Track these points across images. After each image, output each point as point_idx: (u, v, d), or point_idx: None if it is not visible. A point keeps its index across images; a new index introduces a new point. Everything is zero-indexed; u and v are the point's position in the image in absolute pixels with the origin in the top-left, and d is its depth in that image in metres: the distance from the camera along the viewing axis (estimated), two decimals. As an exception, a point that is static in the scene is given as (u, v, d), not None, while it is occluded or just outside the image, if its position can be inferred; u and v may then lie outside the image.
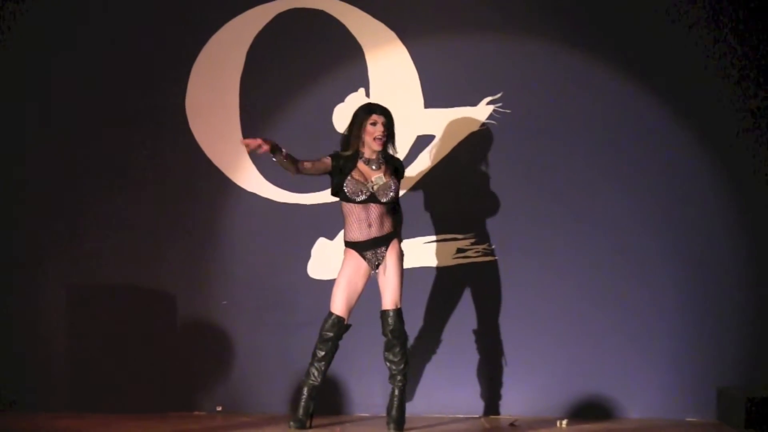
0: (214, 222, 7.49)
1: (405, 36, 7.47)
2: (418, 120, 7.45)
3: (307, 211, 7.38)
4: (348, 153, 6.69)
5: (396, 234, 6.76)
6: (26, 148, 7.50)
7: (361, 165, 6.68)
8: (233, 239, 7.47)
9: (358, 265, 6.69)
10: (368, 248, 6.68)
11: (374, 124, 6.65)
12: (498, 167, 7.41)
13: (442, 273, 7.43)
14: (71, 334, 7.44)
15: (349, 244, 6.71)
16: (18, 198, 7.52)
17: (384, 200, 6.65)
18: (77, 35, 7.50)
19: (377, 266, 6.69)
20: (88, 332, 7.44)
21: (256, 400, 7.37)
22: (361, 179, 6.64)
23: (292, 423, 6.70)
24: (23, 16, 7.51)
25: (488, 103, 7.43)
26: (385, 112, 6.67)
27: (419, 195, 7.44)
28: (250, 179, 7.49)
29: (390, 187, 6.66)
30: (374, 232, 6.67)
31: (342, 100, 7.43)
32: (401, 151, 7.39)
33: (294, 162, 6.56)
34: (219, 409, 7.40)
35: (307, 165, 6.61)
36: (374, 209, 6.66)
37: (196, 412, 7.39)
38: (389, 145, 6.74)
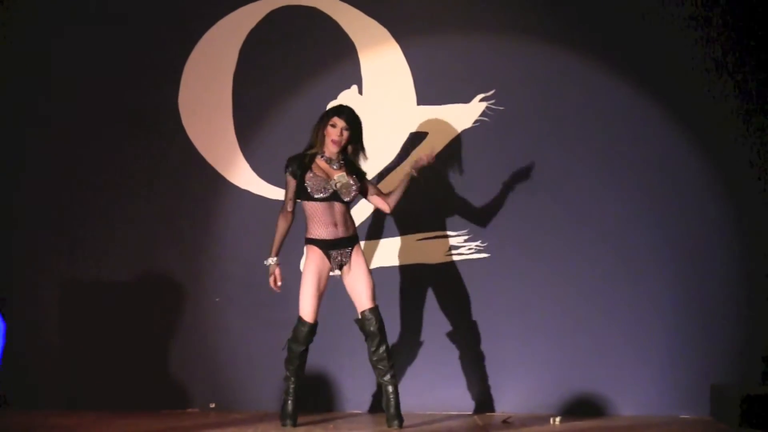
0: (207, 219, 7.49)
1: (398, 33, 7.47)
2: (411, 117, 7.45)
3: (300, 208, 7.36)
4: (308, 152, 6.69)
5: (357, 237, 6.76)
6: (22, 148, 7.50)
7: (321, 162, 6.68)
8: (226, 236, 7.48)
9: (322, 265, 6.66)
10: (335, 247, 6.67)
11: (333, 126, 6.65)
12: (490, 164, 7.40)
13: (434, 270, 7.42)
14: (64, 331, 7.45)
15: (313, 242, 6.68)
16: (15, 197, 7.52)
17: (346, 199, 6.65)
18: (70, 35, 7.50)
19: (340, 267, 6.69)
20: (82, 330, 7.45)
21: (249, 398, 7.37)
22: (323, 176, 6.64)
23: (287, 421, 6.72)
24: (18, 17, 7.52)
25: (481, 101, 7.43)
26: (347, 116, 6.63)
27: (412, 192, 7.42)
28: (243, 176, 7.49)
29: (352, 186, 6.65)
30: (340, 233, 6.66)
31: (335, 98, 7.42)
32: (393, 147, 7.40)
33: (285, 233, 6.70)
34: (212, 406, 7.40)
35: (291, 206, 6.69)
36: (338, 208, 6.66)
37: (190, 410, 7.40)
38: (359, 153, 6.70)
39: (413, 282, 7.41)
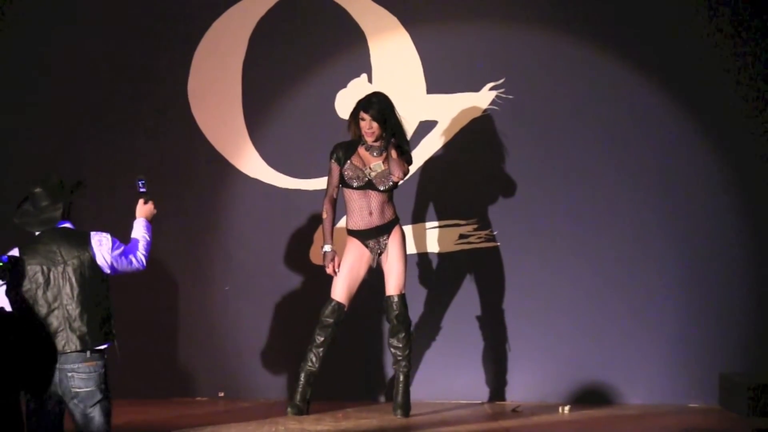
0: (216, 208, 7.49)
1: (407, 21, 7.45)
2: (421, 106, 7.44)
3: (310, 196, 7.37)
4: (351, 139, 6.70)
5: (398, 220, 6.75)
6: (29, 137, 7.49)
7: (362, 151, 6.69)
8: (236, 225, 7.47)
9: (360, 253, 6.70)
10: (370, 237, 6.68)
11: (362, 119, 6.63)
12: (500, 153, 7.40)
13: (444, 259, 7.42)
14: (74, 320, 7.45)
15: (351, 233, 6.73)
16: (18, 185, 7.50)
17: (382, 188, 6.64)
18: (79, 21, 7.48)
19: (380, 254, 6.70)
20: (91, 318, 7.44)
21: (257, 386, 7.37)
22: (360, 165, 6.64)
23: (289, 409, 6.72)
24: (29, 5, 7.51)
25: (491, 89, 7.42)
26: (373, 110, 6.58)
27: (421, 181, 7.43)
28: (253, 165, 7.48)
29: (388, 175, 6.64)
30: (375, 221, 6.67)
31: (344, 86, 7.42)
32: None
33: (333, 218, 6.71)
34: (221, 395, 7.40)
35: (335, 193, 6.69)
36: (374, 197, 6.66)
37: (199, 398, 7.40)
38: (392, 136, 6.63)
39: (422, 271, 7.40)
